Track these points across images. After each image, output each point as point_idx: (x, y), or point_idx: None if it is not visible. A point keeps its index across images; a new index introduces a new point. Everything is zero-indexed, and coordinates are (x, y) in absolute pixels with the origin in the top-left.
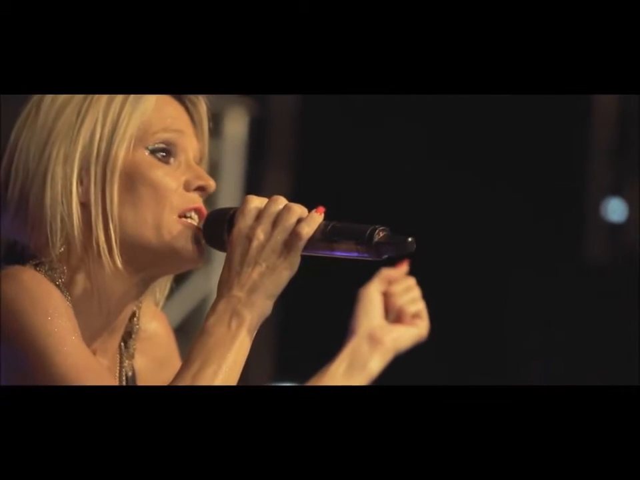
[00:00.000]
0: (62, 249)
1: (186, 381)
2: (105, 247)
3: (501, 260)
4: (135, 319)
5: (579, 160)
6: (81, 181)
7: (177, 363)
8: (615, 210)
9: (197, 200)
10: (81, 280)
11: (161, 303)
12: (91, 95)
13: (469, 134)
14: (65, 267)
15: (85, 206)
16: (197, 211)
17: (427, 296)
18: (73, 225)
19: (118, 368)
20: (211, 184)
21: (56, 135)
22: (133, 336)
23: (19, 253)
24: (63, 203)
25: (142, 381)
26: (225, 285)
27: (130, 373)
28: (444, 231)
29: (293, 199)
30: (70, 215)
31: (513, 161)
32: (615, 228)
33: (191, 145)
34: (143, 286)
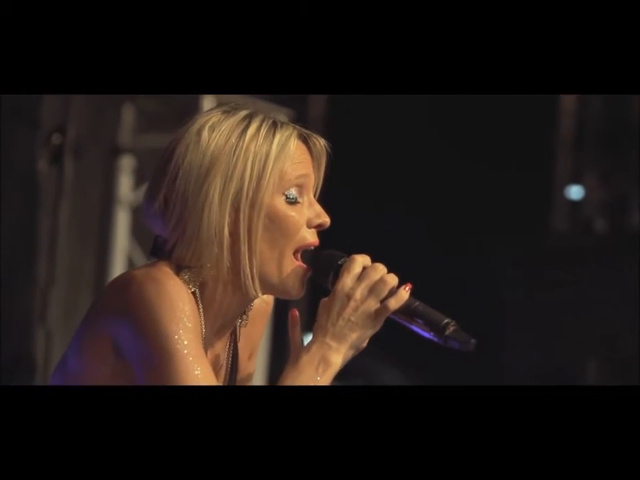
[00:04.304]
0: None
1: None
2: (249, 276)
3: (485, 232)
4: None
5: (547, 152)
6: (229, 215)
7: (258, 340)
8: (575, 192)
9: (315, 236)
10: (212, 291)
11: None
12: (243, 135)
13: (464, 131)
14: (201, 278)
15: (231, 237)
16: (313, 245)
17: (411, 268)
18: (223, 256)
19: (228, 344)
20: (327, 221)
21: (214, 173)
22: (244, 316)
23: (160, 245)
24: (216, 234)
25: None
26: (321, 331)
27: (234, 345)
28: (443, 210)
29: (321, 196)
30: (221, 246)
31: (495, 153)
32: (574, 205)
33: (312, 182)
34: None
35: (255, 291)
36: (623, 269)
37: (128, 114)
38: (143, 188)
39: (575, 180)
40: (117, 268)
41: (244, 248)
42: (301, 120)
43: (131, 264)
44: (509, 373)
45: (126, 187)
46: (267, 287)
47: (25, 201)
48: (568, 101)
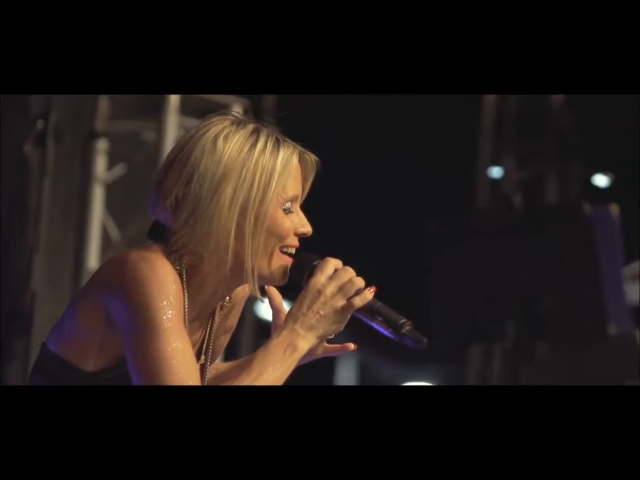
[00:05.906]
0: (204, 255)
1: (246, 383)
2: (250, 274)
3: (418, 207)
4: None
5: (472, 139)
6: (236, 220)
7: (236, 319)
8: (496, 172)
9: (296, 240)
10: (209, 281)
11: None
12: (252, 149)
13: (404, 124)
14: (191, 263)
15: (236, 240)
16: (294, 246)
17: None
18: (227, 256)
19: (208, 322)
20: (310, 230)
21: (227, 182)
22: (227, 299)
23: (160, 231)
24: (223, 236)
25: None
26: (292, 318)
27: (212, 323)
28: (385, 189)
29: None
30: (227, 248)
31: (428, 141)
32: (495, 184)
33: (301, 195)
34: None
35: (253, 283)
36: (539, 239)
37: (103, 103)
38: (116, 168)
39: (496, 162)
40: (94, 237)
41: (248, 251)
42: (253, 109)
43: (105, 234)
44: (439, 331)
45: (101, 167)
46: (259, 278)
47: (17, 179)
48: (489, 95)
